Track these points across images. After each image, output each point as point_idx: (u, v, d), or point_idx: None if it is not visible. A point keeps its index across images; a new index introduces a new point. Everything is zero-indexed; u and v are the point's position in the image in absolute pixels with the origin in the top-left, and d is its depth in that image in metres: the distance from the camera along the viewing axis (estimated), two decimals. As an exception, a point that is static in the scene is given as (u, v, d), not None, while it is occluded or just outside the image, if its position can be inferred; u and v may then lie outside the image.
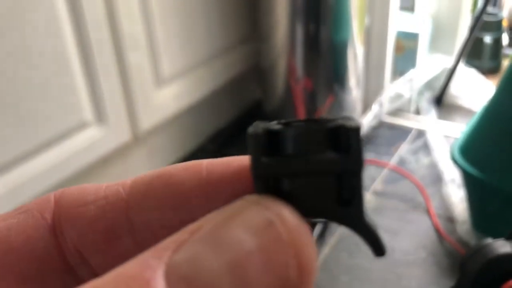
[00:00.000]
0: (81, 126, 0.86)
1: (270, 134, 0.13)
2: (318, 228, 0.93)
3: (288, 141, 0.13)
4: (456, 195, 1.03)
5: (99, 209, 0.15)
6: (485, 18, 1.45)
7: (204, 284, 0.11)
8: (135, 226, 0.15)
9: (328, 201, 0.14)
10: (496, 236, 0.66)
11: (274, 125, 0.14)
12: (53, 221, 0.15)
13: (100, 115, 0.89)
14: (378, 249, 0.14)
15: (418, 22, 1.48)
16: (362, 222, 0.14)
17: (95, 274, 0.15)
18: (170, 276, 0.11)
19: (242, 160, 0.15)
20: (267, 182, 0.13)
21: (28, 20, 0.75)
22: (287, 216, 0.12)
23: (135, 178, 0.16)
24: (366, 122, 1.29)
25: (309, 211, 0.13)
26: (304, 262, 0.12)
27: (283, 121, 0.14)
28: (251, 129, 0.13)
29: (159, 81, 1.00)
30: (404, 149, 1.23)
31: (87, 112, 0.87)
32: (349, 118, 0.14)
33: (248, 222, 0.12)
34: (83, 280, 0.16)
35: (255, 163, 0.13)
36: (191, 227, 0.12)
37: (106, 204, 0.15)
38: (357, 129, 0.13)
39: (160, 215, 0.15)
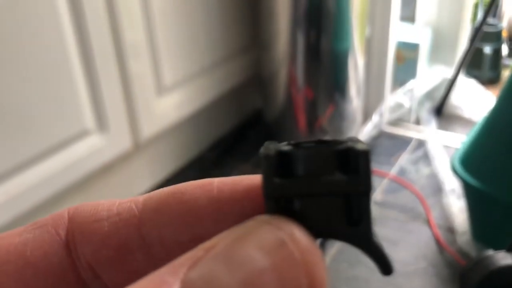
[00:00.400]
0: (83, 134, 0.86)
1: (281, 155, 0.14)
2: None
3: (298, 162, 0.14)
4: (456, 206, 1.03)
5: (112, 225, 0.15)
6: (485, 28, 1.45)
7: None
8: (148, 242, 0.15)
9: (338, 221, 0.14)
10: (496, 247, 0.66)
11: (285, 146, 0.14)
12: (67, 237, 0.16)
13: (101, 124, 0.89)
14: (386, 268, 0.14)
15: (419, 33, 1.48)
16: (371, 242, 0.14)
17: None
18: None
19: (251, 179, 0.15)
20: (278, 202, 0.14)
21: (30, 28, 0.75)
22: (298, 236, 0.13)
23: (147, 195, 0.16)
24: (366, 131, 1.30)
25: (319, 231, 0.14)
26: (315, 281, 0.12)
27: (292, 142, 0.14)
28: (263, 150, 0.14)
29: (161, 89, 1.01)
30: (404, 159, 1.23)
31: (89, 121, 0.87)
32: (357, 141, 0.14)
33: (261, 241, 0.12)
34: None
35: (266, 183, 0.13)
36: (206, 244, 0.12)
37: (119, 220, 0.15)
38: (366, 152, 0.13)
39: (173, 231, 0.15)
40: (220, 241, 0.12)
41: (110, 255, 0.15)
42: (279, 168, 0.14)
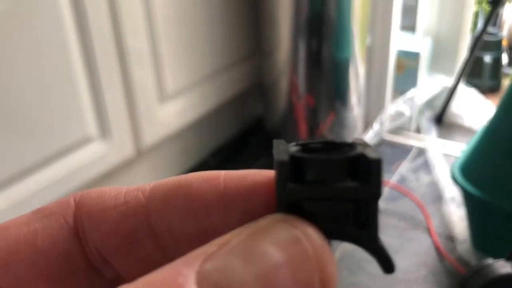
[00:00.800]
0: (85, 141, 0.87)
1: (295, 161, 0.14)
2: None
3: (311, 167, 0.14)
4: (456, 214, 1.03)
5: (120, 214, 0.16)
6: (485, 37, 1.46)
7: None
8: (156, 232, 0.16)
9: (346, 224, 0.15)
10: (496, 255, 0.66)
11: (294, 147, 0.15)
12: (75, 224, 0.16)
13: (104, 130, 0.89)
14: (389, 267, 0.15)
15: (419, 42, 1.49)
16: (377, 244, 0.15)
17: (117, 274, 0.16)
18: (202, 283, 0.12)
19: (257, 175, 0.16)
20: (290, 205, 0.14)
21: (33, 34, 0.76)
22: (312, 234, 0.13)
23: (154, 184, 0.16)
24: (367, 140, 1.30)
25: (328, 232, 0.14)
26: (327, 277, 0.13)
27: (300, 142, 0.15)
28: (275, 154, 0.14)
29: (163, 96, 1.01)
30: (404, 167, 1.23)
31: (91, 127, 0.87)
32: (366, 145, 0.15)
33: (276, 237, 0.13)
34: (108, 279, 0.16)
35: (281, 188, 0.14)
36: (219, 240, 0.13)
37: (126, 209, 0.16)
38: (379, 161, 0.14)
39: (180, 223, 0.15)
40: (234, 237, 0.13)
41: (119, 243, 0.16)
42: (292, 173, 0.14)
